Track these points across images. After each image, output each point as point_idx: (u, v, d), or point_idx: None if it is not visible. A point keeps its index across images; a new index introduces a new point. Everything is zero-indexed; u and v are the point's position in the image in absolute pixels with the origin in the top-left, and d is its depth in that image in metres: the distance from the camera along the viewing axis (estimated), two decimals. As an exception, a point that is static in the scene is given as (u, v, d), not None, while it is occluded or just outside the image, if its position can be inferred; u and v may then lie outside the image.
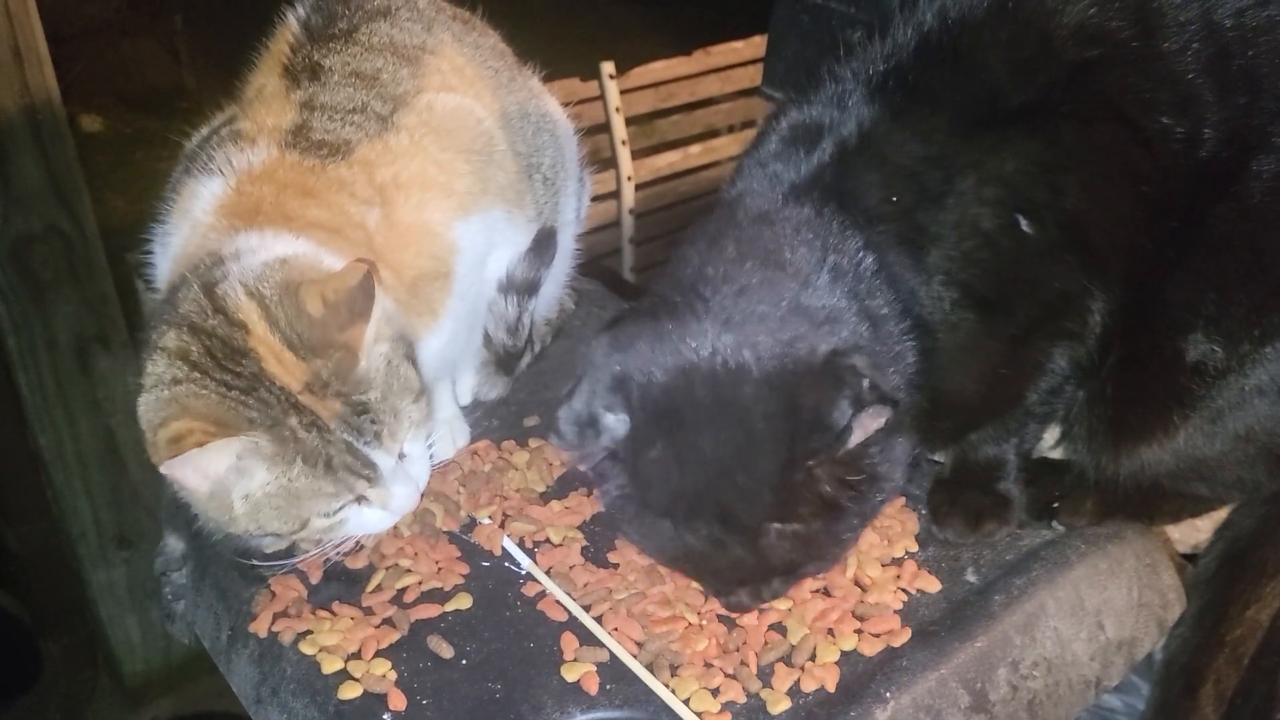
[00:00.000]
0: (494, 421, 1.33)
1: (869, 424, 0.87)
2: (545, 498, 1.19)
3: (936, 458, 1.19)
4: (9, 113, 1.87)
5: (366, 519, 1.03)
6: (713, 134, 3.43)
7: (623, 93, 3.10)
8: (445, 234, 1.11)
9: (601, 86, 3.06)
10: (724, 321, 0.91)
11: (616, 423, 0.92)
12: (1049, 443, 1.18)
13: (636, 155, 3.18)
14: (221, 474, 0.96)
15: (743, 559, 0.93)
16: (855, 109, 1.01)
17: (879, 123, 1.00)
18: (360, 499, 1.01)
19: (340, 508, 1.00)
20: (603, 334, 0.97)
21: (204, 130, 1.19)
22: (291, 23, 1.19)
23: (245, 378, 0.94)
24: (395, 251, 1.08)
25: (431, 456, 1.10)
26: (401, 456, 1.04)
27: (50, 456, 2.10)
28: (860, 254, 0.96)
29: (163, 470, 0.93)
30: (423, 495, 1.16)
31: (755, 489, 0.89)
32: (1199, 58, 0.96)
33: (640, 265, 3.20)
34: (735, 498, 0.90)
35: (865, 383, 0.87)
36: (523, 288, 1.24)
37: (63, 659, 2.30)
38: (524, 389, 1.36)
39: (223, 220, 1.04)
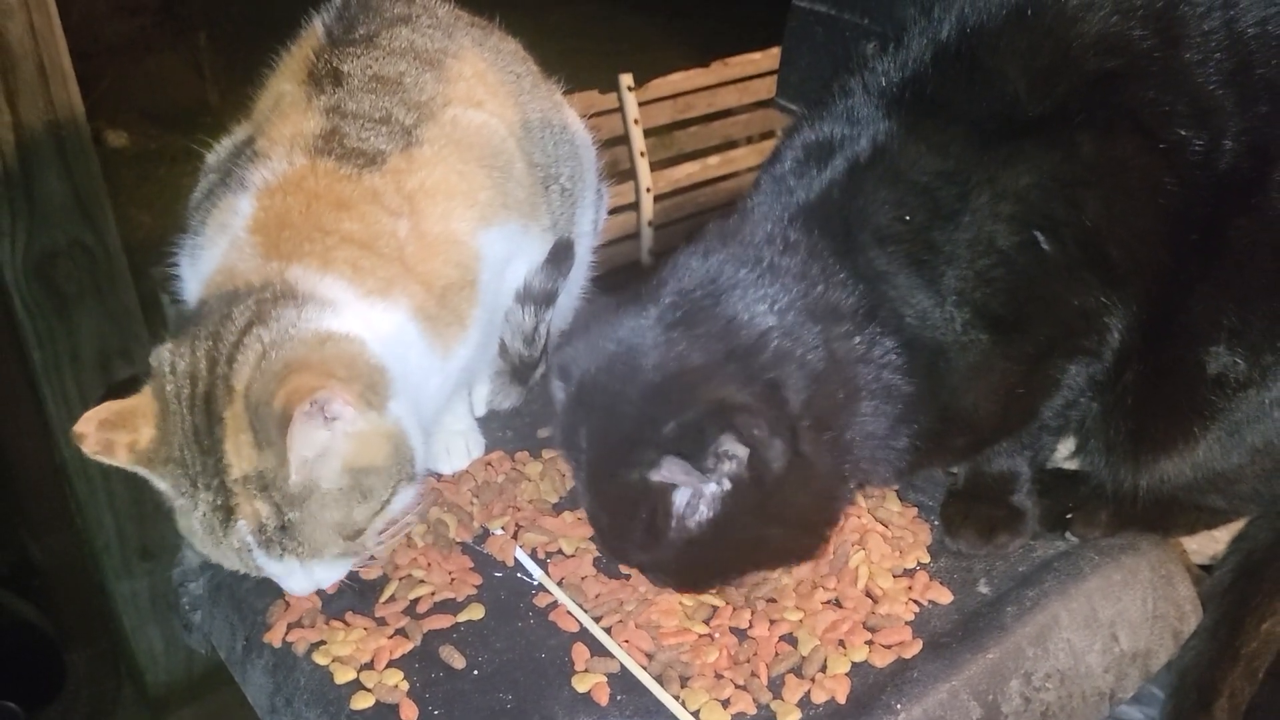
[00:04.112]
0: (507, 432, 1.33)
1: (673, 472, 0.89)
2: (558, 509, 1.20)
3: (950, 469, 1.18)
4: (34, 128, 1.88)
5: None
6: (731, 145, 3.43)
7: (641, 104, 3.11)
8: (470, 243, 1.12)
9: (620, 98, 3.07)
10: (668, 326, 0.94)
11: (561, 393, 1.01)
12: (1064, 453, 1.17)
13: (655, 167, 3.19)
14: None
15: (609, 533, 1.00)
16: (869, 123, 1.00)
17: (893, 137, 0.98)
18: None
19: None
20: (583, 306, 1.03)
21: (226, 141, 1.20)
22: (316, 27, 1.19)
23: (208, 438, 0.96)
24: (424, 262, 1.08)
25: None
26: None
27: (74, 469, 2.11)
28: (852, 289, 0.96)
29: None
30: (436, 506, 1.18)
31: (606, 482, 0.96)
32: (1221, 68, 0.95)
33: (659, 277, 3.19)
34: (601, 483, 0.97)
35: (725, 448, 0.87)
36: (540, 298, 1.24)
37: (86, 670, 2.31)
38: (537, 400, 1.36)
39: (259, 237, 1.03)
